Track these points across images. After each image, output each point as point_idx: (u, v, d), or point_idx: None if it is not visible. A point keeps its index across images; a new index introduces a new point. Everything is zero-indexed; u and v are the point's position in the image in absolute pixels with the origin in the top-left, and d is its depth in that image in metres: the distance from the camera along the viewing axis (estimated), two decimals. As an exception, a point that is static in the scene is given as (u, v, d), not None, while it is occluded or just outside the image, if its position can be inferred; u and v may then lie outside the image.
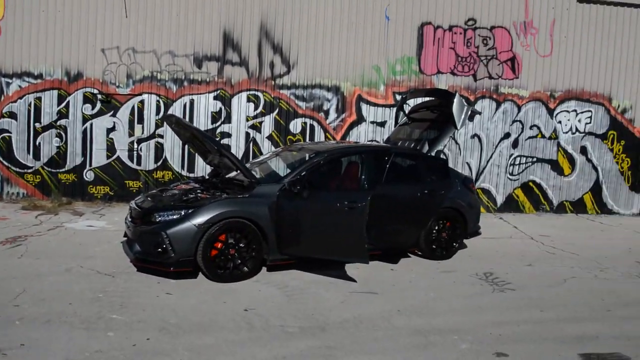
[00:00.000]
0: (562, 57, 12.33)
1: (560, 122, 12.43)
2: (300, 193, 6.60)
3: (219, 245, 6.34)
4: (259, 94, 11.60)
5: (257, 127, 11.64)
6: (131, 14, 11.25)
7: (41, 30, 11.14)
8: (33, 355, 4.30)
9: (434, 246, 7.84)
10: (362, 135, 11.89)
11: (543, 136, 12.42)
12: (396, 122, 9.68)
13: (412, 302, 6.05)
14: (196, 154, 10.37)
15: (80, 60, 11.25)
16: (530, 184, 12.46)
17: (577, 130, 12.53)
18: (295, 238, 6.57)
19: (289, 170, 7.38)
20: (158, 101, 11.45)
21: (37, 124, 11.26)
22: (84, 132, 11.35)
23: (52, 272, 6.45)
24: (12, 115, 11.23)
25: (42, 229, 8.78)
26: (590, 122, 12.56)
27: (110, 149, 11.41)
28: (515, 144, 12.32)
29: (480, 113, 11.85)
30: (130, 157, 11.45)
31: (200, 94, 11.51)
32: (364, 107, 11.86)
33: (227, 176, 7.78)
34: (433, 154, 8.39)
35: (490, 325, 5.46)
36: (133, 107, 11.42)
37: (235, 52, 11.51)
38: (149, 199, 7.10)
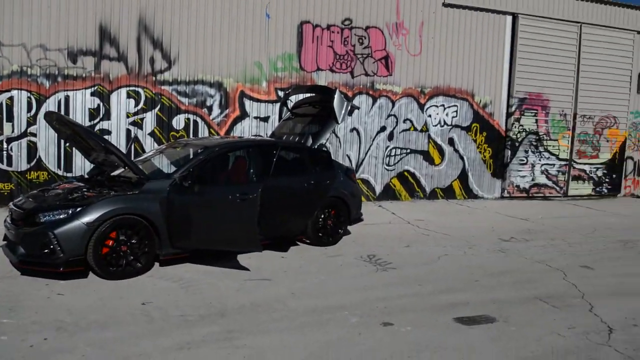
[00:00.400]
0: (431, 57, 13.38)
1: (430, 115, 13.49)
2: (191, 187, 6.72)
3: (110, 242, 6.27)
4: (140, 89, 11.37)
5: (138, 124, 11.39)
6: (-5, 4, 10.54)
7: None
8: None
9: (320, 233, 8.28)
10: (246, 130, 12.09)
11: (415, 129, 13.41)
12: (280, 117, 10.02)
13: (304, 285, 6.42)
14: (77, 152, 9.98)
15: None
16: (405, 173, 13.40)
17: (445, 123, 13.67)
18: (188, 232, 6.67)
19: (177, 166, 7.43)
20: (29, 97, 10.81)
21: None
22: (-55, 130, 10.48)
23: None
24: None
25: None
26: (456, 116, 13.76)
27: (-24, 149, 10.64)
28: (390, 137, 13.19)
29: (358, 108, 12.56)
30: (0, 158, 10.74)
31: (76, 89, 11.04)
32: (247, 102, 12.07)
33: (112, 174, 7.66)
34: (316, 147, 8.81)
35: (376, 301, 5.97)
36: (1, 104, 10.70)
37: (112, 46, 11.17)
38: (30, 199, 6.81)
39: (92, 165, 10.16)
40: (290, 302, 5.84)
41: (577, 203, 14.50)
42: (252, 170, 7.62)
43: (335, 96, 8.53)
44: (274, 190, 7.23)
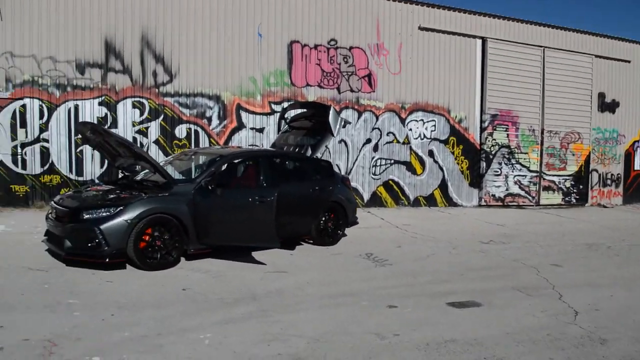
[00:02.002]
0: (410, 75, 14.57)
1: (411, 129, 14.66)
2: (214, 191, 7.61)
3: (147, 237, 7.12)
4: (144, 100, 12.18)
5: (143, 132, 12.20)
6: (7, 17, 11.21)
7: None
8: (19, 332, 4.86)
9: (322, 234, 9.24)
10: (243, 140, 13.00)
11: (398, 141, 14.54)
12: (279, 130, 10.97)
13: (315, 276, 7.36)
14: (87, 158, 10.68)
15: (-47, 62, 10.98)
16: (390, 182, 14.52)
17: (424, 136, 14.85)
18: (213, 229, 7.56)
19: (198, 172, 8.33)
20: (41, 105, 11.52)
21: None
22: (-40, 136, 11.07)
23: (-20, 270, 6.74)
24: None
25: None
26: (434, 130, 14.96)
27: (-8, 153, 11.26)
28: (375, 148, 14.29)
29: (350, 123, 13.62)
30: (15, 162, 11.37)
31: (85, 99, 11.79)
32: (243, 114, 12.99)
33: (136, 178, 8.50)
34: (317, 157, 9.81)
35: (379, 289, 6.94)
36: (15, 111, 11.36)
37: (117, 60, 11.96)
38: (69, 199, 7.58)
39: (103, 170, 11.00)
40: (307, 289, 6.77)
41: (548, 211, 15.83)
42: (267, 177, 8.49)
43: (330, 112, 9.56)
44: (286, 195, 8.12)
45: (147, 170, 8.89)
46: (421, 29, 14.57)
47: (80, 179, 11.77)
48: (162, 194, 7.42)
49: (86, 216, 7.01)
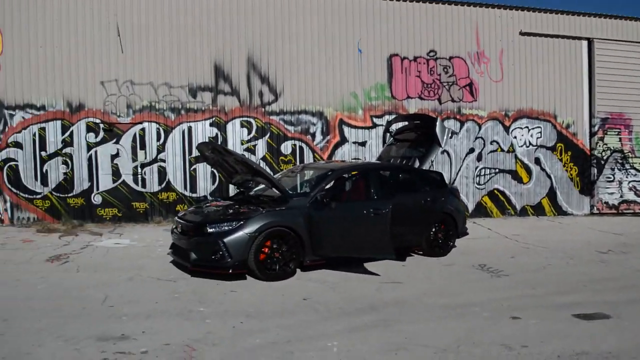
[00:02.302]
0: (512, 82, 14.23)
1: (515, 137, 14.28)
2: (328, 204, 7.82)
3: (266, 250, 7.45)
4: (251, 120, 12.75)
5: (251, 150, 12.76)
6: (127, 49, 12.18)
7: (40, 65, 11.89)
8: (159, 337, 5.25)
9: (433, 245, 9.20)
10: (346, 154, 13.24)
11: (502, 150, 14.22)
12: (384, 143, 11.07)
13: (431, 287, 7.35)
14: (199, 176, 11.29)
15: (81, 92, 12.05)
16: (495, 191, 14.20)
17: (530, 143, 14.42)
18: (328, 241, 7.77)
19: (308, 186, 8.60)
20: (158, 129, 12.37)
21: (42, 153, 11.92)
22: (89, 158, 12.10)
23: (119, 281, 7.32)
24: (18, 145, 11.87)
25: (74, 247, 9.54)
26: (540, 137, 14.48)
27: (116, 173, 12.21)
28: (479, 158, 14.05)
29: (457, 134, 13.51)
30: (135, 181, 12.27)
31: (197, 121, 12.53)
32: (345, 129, 13.24)
33: (250, 193, 8.92)
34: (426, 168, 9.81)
35: (499, 300, 6.80)
36: (135, 135, 12.27)
37: (226, 82, 12.63)
38: (192, 214, 8.09)
39: (214, 186, 11.59)
40: (425, 299, 6.77)
41: (670, 219, 14.77)
42: (378, 189, 8.60)
43: (437, 123, 9.53)
44: (399, 206, 8.17)
45: (261, 186, 9.31)
46: (522, 34, 14.21)
47: (194, 195, 12.48)
48: (279, 208, 7.72)
49: (210, 230, 7.43)
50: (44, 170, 11.95)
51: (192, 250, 7.53)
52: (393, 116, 12.64)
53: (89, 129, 12.11)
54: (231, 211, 7.85)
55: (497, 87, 14.11)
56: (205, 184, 12.53)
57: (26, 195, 11.92)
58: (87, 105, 12.09)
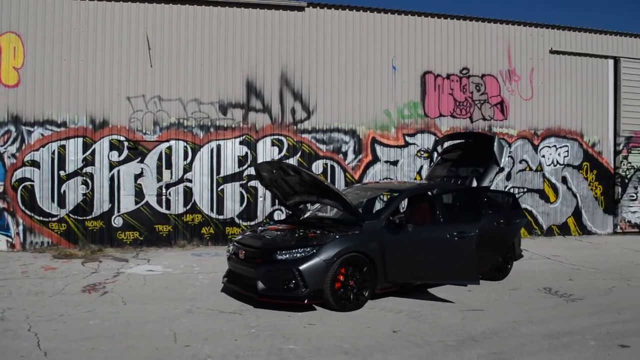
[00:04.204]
0: (541, 100, 14.06)
1: (544, 156, 14.08)
2: (404, 227, 7.36)
3: (341, 277, 6.93)
4: (282, 138, 12.28)
5: (282, 169, 12.24)
6: (156, 63, 11.64)
7: (63, 79, 11.26)
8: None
9: (494, 268, 8.81)
10: (378, 174, 12.84)
11: (531, 169, 13.99)
12: (431, 162, 10.71)
13: (516, 315, 6.92)
14: (227, 197, 10.77)
15: (105, 108, 11.44)
16: (524, 211, 13.88)
17: (557, 162, 14.23)
18: (404, 267, 7.32)
19: (377, 208, 8.15)
20: (185, 147, 11.81)
21: (61, 172, 11.24)
22: (111, 178, 11.46)
23: (178, 315, 6.70)
24: (34, 164, 11.17)
25: (105, 276, 8.88)
26: (567, 155, 14.32)
27: (139, 194, 11.57)
28: (508, 177, 13.79)
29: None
30: (159, 202, 11.66)
31: (227, 139, 12.01)
32: (377, 148, 12.86)
33: (306, 215, 8.45)
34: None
35: (593, 327, 6.45)
36: (161, 153, 11.69)
37: (258, 99, 12.16)
38: (253, 239, 7.51)
39: (242, 208, 11.07)
40: (519, 328, 6.35)
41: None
42: (460, 211, 8.09)
43: (495, 142, 9.20)
44: (483, 229, 7.74)
45: (315, 207, 8.84)
46: (552, 52, 14.09)
47: (221, 217, 11.92)
48: (352, 232, 7.23)
49: (280, 257, 6.90)
50: (62, 191, 11.24)
51: (259, 279, 6.95)
52: (444, 135, 12.23)
53: (113, 146, 11.48)
54: (299, 236, 7.34)
55: (526, 105, 13.93)
56: (232, 205, 11.97)
57: (41, 218, 11.17)
58: (111, 121, 11.47)
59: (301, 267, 6.72)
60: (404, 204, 8.46)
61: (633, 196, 14.95)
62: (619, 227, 14.83)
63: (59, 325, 6.21)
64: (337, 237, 7.07)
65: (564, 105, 14.26)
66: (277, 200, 8.93)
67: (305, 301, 6.75)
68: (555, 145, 14.19)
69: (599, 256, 11.52)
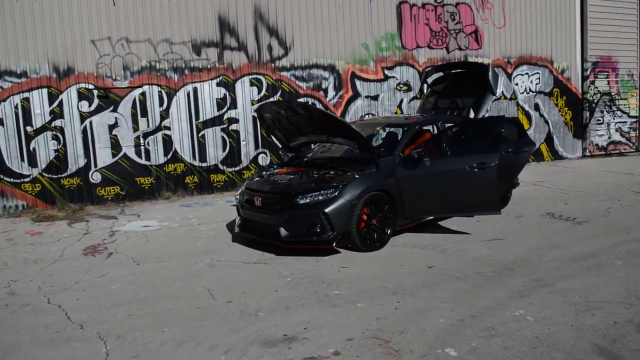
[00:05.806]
0: (514, 28, 14.03)
1: (517, 84, 14.20)
2: (419, 161, 7.21)
3: (364, 217, 6.78)
4: (261, 77, 11.76)
5: (263, 110, 11.80)
6: (119, 2, 10.73)
7: (17, 23, 10.19)
8: (330, 332, 4.60)
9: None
10: (359, 109, 12.59)
11: (505, 97, 14.10)
12: (421, 94, 10.53)
13: (536, 241, 7.04)
14: (209, 143, 10.33)
15: (69, 54, 10.51)
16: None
17: (530, 90, 14.40)
18: (424, 202, 7.25)
19: (388, 143, 7.95)
20: (160, 92, 11.12)
21: (28, 128, 10.37)
22: (84, 131, 10.69)
23: (201, 270, 6.39)
24: (-3, 121, 10.25)
25: (101, 235, 8.35)
26: (539, 82, 14.50)
27: (115, 146, 10.89)
28: (485, 106, 13.83)
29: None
30: (138, 153, 11.04)
31: (203, 81, 11.37)
32: (357, 83, 12.55)
33: (308, 155, 8.20)
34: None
35: (612, 247, 6.68)
36: (134, 100, 10.97)
37: (232, 37, 11.50)
38: (266, 184, 7.19)
39: (225, 154, 10.67)
40: (546, 254, 6.46)
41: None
42: (476, 143, 7.74)
43: (490, 71, 9.10)
44: (500, 160, 7.52)
45: (315, 148, 8.57)
46: (524, -22, 14.00)
47: (204, 165, 11.46)
48: (370, 170, 7.05)
49: (302, 201, 6.63)
50: (32, 149, 10.38)
51: (282, 226, 6.68)
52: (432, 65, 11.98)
53: (81, 96, 10.65)
54: (316, 177, 7.09)
55: (500, 33, 13.86)
56: (215, 151, 11.49)
57: (12, 180, 10.31)
58: (76, 68, 10.57)
59: (327, 210, 6.50)
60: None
61: (600, 120, 15.43)
62: (587, 150, 15.35)
63: (79, 294, 5.75)
64: (357, 176, 6.88)
65: (534, 33, 14.30)
66: (279, 143, 8.51)
67: (334, 244, 6.58)
68: (527, 73, 14.31)
69: (579, 179, 11.89)
